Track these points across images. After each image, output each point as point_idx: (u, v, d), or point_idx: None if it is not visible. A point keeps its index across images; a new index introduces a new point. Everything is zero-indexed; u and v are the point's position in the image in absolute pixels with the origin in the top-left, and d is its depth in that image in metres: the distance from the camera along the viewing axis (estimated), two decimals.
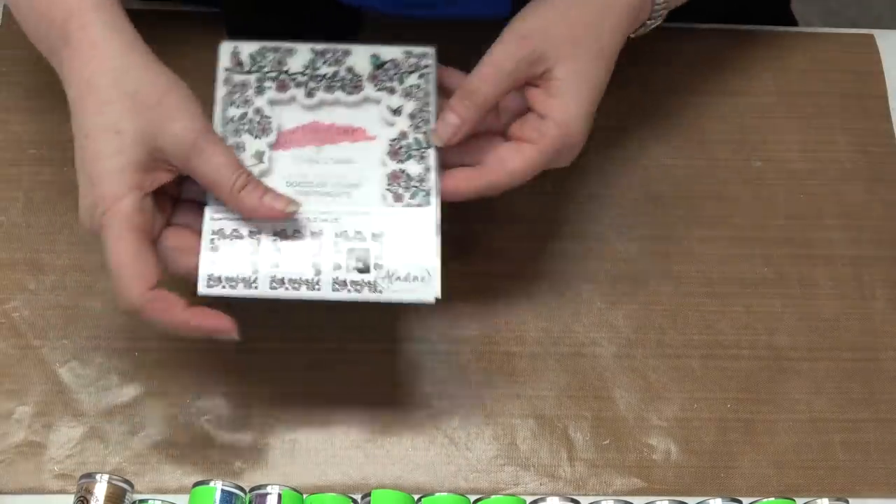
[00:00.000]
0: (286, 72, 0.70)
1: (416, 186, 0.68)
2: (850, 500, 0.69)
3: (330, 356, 0.75)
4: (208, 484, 0.66)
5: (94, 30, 0.65)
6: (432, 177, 0.68)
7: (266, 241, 0.66)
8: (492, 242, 0.79)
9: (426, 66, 0.72)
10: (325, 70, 0.71)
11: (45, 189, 0.79)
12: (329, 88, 0.70)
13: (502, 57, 0.68)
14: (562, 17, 0.70)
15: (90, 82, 0.65)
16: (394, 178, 0.69)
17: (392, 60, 0.71)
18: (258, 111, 0.69)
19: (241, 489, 0.67)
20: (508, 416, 0.74)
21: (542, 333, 0.76)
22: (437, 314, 0.76)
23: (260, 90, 0.70)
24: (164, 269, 0.65)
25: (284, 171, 0.68)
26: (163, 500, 0.69)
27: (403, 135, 0.70)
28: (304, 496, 0.68)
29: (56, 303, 0.75)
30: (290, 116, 0.70)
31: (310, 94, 0.70)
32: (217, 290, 0.65)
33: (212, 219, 0.66)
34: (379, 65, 0.71)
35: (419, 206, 0.68)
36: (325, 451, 0.72)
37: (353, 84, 0.71)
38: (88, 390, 0.73)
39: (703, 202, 0.81)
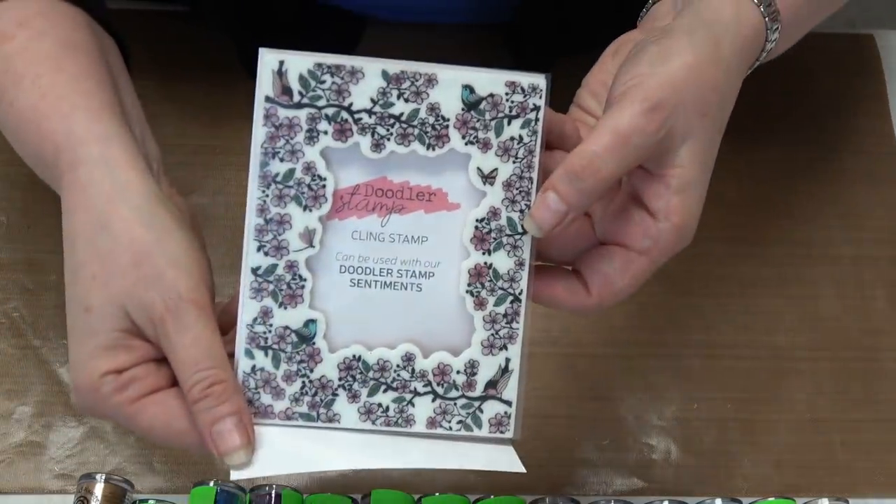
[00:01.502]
0: (348, 108, 0.54)
1: (503, 289, 0.56)
2: (850, 500, 0.69)
3: None
4: (208, 484, 0.66)
5: (83, 170, 0.55)
6: (524, 276, 0.56)
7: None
8: None
9: (533, 109, 0.55)
10: (401, 108, 0.54)
11: (45, 189, 0.79)
12: (404, 138, 0.54)
13: (628, 126, 0.52)
14: (694, 75, 0.54)
15: (72, 238, 0.56)
16: (477, 274, 0.56)
17: (490, 97, 0.55)
18: (309, 168, 0.54)
19: (241, 489, 0.67)
20: None
21: (542, 333, 0.76)
22: None
23: (312, 136, 0.54)
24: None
25: (338, 250, 0.55)
26: (163, 500, 0.68)
27: (494, 213, 0.55)
28: (304, 496, 0.68)
29: (56, 303, 0.75)
30: (349, 170, 0.55)
31: (377, 145, 0.54)
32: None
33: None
34: (472, 103, 0.55)
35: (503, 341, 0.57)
36: None
37: (435, 132, 0.54)
38: None
39: (704, 202, 0.81)
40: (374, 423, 0.57)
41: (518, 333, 0.57)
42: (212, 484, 0.66)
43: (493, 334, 0.57)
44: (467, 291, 0.56)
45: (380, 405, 0.56)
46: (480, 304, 0.56)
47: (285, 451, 0.56)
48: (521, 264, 0.56)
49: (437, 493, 0.67)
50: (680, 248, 0.57)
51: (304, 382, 0.56)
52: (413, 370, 0.56)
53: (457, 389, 0.57)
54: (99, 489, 0.65)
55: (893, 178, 0.83)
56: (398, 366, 0.56)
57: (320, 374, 0.56)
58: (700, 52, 0.55)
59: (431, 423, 0.57)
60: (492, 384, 0.57)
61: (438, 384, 0.57)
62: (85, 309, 0.55)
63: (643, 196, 0.55)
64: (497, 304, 0.56)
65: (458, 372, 0.57)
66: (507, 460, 0.57)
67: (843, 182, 0.83)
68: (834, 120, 0.85)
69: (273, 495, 0.66)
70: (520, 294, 0.56)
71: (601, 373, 0.75)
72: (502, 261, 0.56)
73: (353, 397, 0.56)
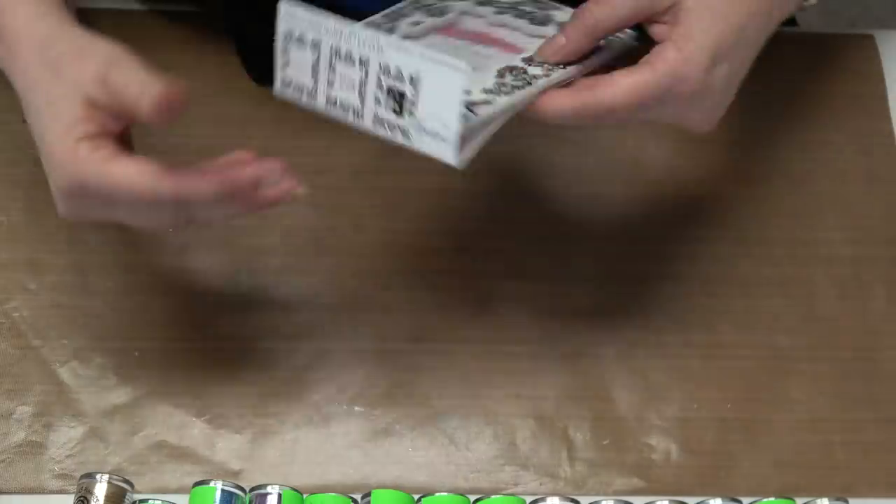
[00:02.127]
0: None
1: (524, 77, 0.64)
2: (850, 500, 0.69)
3: (330, 356, 0.75)
4: (208, 484, 0.66)
5: (18, 22, 0.63)
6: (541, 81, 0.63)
7: (324, 55, 0.62)
8: (492, 242, 0.79)
9: None
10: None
11: (45, 189, 0.79)
12: (519, 14, 0.68)
13: None
14: None
15: (24, 71, 0.63)
16: (508, 70, 0.64)
17: None
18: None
19: (241, 489, 0.67)
20: (508, 416, 0.74)
21: (542, 333, 0.76)
22: (438, 314, 0.76)
23: None
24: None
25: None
26: (163, 500, 0.69)
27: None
28: (304, 496, 0.68)
29: (56, 303, 0.75)
30: (467, 21, 0.67)
31: (499, 12, 0.68)
32: (289, 94, 0.63)
33: (286, 15, 0.62)
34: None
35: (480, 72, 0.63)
36: (325, 451, 0.72)
37: (539, 19, 0.68)
38: (88, 390, 0.73)
39: (703, 202, 0.81)
40: None
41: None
42: (212, 484, 0.66)
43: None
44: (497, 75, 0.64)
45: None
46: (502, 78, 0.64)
47: None
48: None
49: (437, 493, 0.67)
50: (683, 77, 0.62)
51: None
52: None
53: None
54: (99, 489, 0.65)
55: (893, 178, 0.83)
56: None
57: None
58: None
59: None
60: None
61: None
62: (48, 103, 0.61)
63: (656, 38, 0.63)
64: (515, 79, 0.63)
65: None
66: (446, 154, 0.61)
67: (843, 182, 0.83)
68: (834, 120, 0.85)
69: (273, 495, 0.66)
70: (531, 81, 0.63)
71: (601, 373, 0.75)
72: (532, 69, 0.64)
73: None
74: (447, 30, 0.67)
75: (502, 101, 0.62)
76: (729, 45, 0.63)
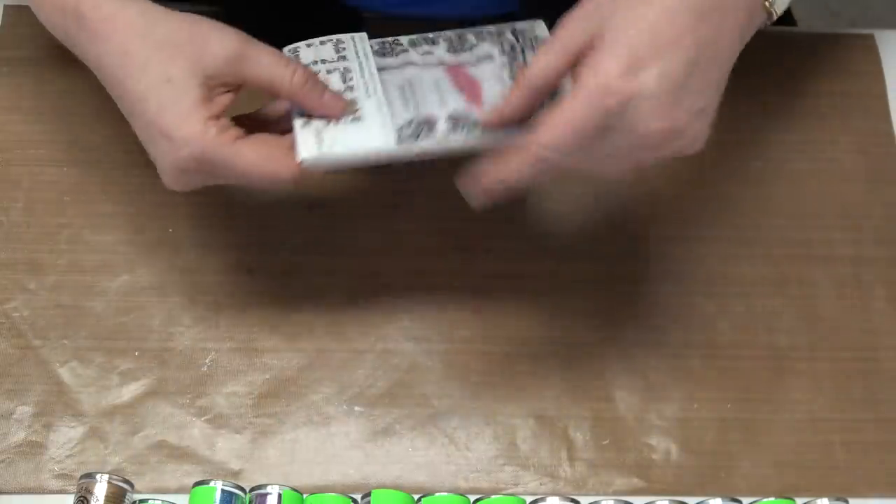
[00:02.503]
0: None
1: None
2: (850, 500, 0.69)
3: (329, 356, 0.75)
4: (208, 484, 0.66)
5: (106, 5, 0.66)
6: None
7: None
8: (492, 242, 0.79)
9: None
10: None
11: (45, 189, 0.79)
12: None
13: (557, 32, 0.62)
14: None
15: (123, 52, 0.65)
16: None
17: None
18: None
19: (241, 489, 0.67)
20: (508, 416, 0.74)
21: (542, 333, 0.76)
22: (438, 314, 0.76)
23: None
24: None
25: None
26: (163, 500, 0.69)
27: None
28: (304, 496, 0.68)
29: (56, 303, 0.75)
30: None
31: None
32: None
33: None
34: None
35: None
36: (325, 451, 0.72)
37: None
38: (88, 390, 0.73)
39: (704, 202, 0.81)
40: None
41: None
42: (212, 484, 0.66)
43: None
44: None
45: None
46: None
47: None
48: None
49: (437, 493, 0.67)
50: (609, 98, 0.59)
51: None
52: None
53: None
54: (99, 489, 0.65)
55: (893, 178, 0.83)
56: None
57: None
58: None
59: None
60: None
61: None
62: (167, 81, 0.64)
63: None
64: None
65: None
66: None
67: (843, 182, 0.83)
68: (834, 120, 0.85)
69: (273, 495, 0.66)
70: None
71: (601, 373, 0.75)
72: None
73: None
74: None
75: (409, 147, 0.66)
76: (646, 46, 0.59)
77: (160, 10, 0.66)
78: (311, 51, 0.70)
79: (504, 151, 0.62)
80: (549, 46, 0.62)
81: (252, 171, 0.65)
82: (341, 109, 0.66)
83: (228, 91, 0.66)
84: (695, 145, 0.64)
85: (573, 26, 0.61)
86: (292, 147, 0.65)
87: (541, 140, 0.60)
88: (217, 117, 0.64)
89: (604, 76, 0.59)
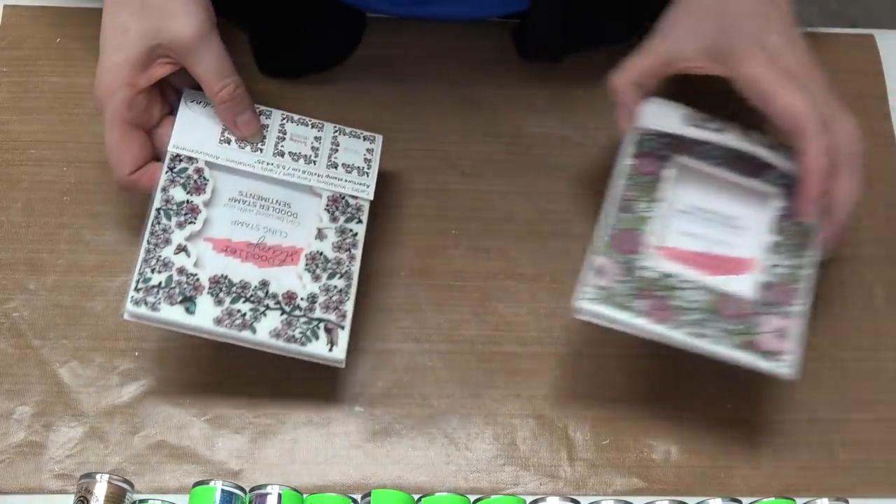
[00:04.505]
0: None
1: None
2: (850, 500, 0.69)
3: None
4: (208, 484, 0.66)
5: None
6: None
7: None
8: (492, 242, 0.79)
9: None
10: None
11: (45, 189, 0.79)
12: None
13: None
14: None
15: None
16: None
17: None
18: None
19: (241, 489, 0.67)
20: (508, 416, 0.74)
21: (542, 333, 0.76)
22: (438, 314, 0.76)
23: None
24: (160, 152, 0.73)
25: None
26: (163, 500, 0.69)
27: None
28: (304, 496, 0.68)
29: (56, 303, 0.75)
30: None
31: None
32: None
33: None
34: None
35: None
36: (325, 451, 0.72)
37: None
38: (88, 390, 0.73)
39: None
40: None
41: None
42: (212, 484, 0.66)
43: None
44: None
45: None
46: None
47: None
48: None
49: (437, 493, 0.67)
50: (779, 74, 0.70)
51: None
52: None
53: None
54: (99, 489, 0.65)
55: (893, 178, 0.83)
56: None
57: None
58: None
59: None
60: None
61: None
62: (123, 31, 0.70)
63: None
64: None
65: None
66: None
67: None
68: None
69: (273, 495, 0.66)
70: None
71: (601, 373, 0.75)
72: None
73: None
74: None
75: None
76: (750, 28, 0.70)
77: None
78: None
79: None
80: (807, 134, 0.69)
81: (107, 148, 0.71)
82: (251, 133, 0.74)
83: (168, 64, 0.71)
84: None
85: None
86: (146, 166, 0.72)
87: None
88: (137, 88, 0.70)
89: (762, 62, 0.70)
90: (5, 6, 0.85)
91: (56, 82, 0.83)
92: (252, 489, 0.67)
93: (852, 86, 0.86)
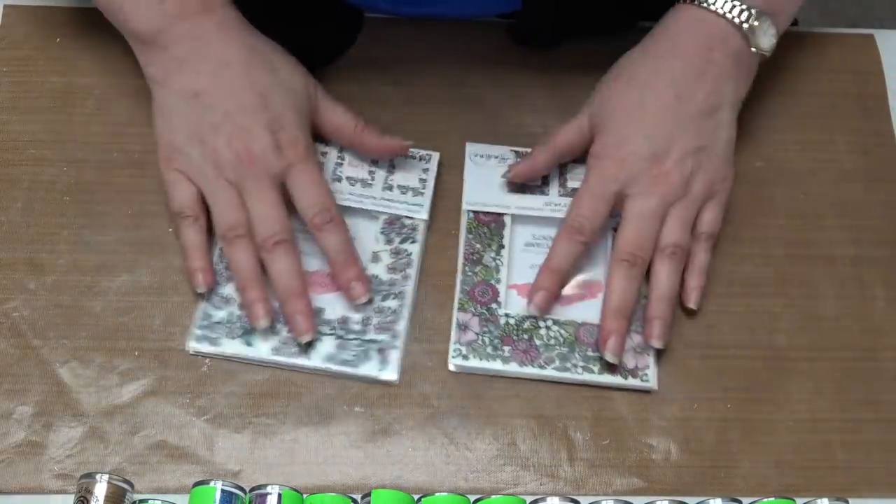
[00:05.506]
0: None
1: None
2: (850, 500, 0.69)
3: None
4: (208, 484, 0.66)
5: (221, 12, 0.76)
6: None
7: None
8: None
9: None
10: None
11: (45, 189, 0.79)
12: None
13: (576, 117, 0.79)
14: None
15: (251, 48, 0.75)
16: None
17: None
18: None
19: (241, 489, 0.67)
20: (508, 416, 0.74)
21: None
22: (438, 314, 0.76)
23: None
24: None
25: None
26: (163, 500, 0.69)
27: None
28: (304, 496, 0.68)
29: (56, 303, 0.75)
30: None
31: None
32: None
33: None
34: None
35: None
36: (325, 451, 0.72)
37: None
38: (88, 390, 0.73)
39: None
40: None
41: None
42: (212, 484, 0.66)
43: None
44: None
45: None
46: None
47: None
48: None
49: (437, 493, 0.67)
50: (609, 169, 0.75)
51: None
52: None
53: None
54: (99, 489, 0.65)
55: (893, 178, 0.83)
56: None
57: None
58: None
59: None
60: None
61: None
62: (292, 91, 0.76)
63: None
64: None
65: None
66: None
67: (843, 182, 0.83)
68: (834, 120, 0.85)
69: (273, 495, 0.66)
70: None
71: None
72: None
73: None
74: None
75: None
76: (634, 123, 0.76)
77: (257, 33, 0.77)
78: None
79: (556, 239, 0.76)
80: (571, 125, 0.78)
81: (311, 195, 0.74)
82: (400, 149, 0.78)
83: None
84: (724, 185, 0.78)
85: (585, 113, 0.78)
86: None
87: (573, 212, 0.75)
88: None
89: (595, 153, 0.76)
90: (5, 6, 0.85)
91: (56, 82, 0.83)
92: (252, 489, 0.67)
93: (852, 86, 0.86)
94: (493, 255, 0.77)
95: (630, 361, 0.74)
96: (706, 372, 0.76)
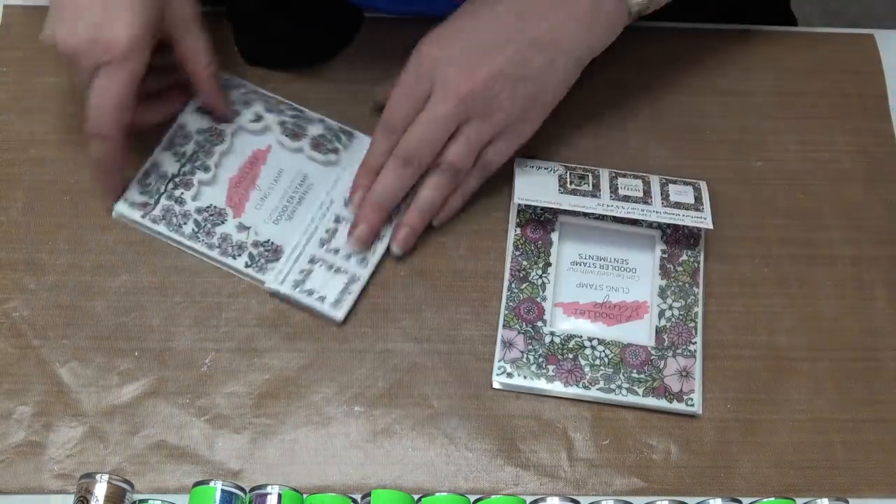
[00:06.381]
0: None
1: None
2: (850, 500, 0.69)
3: (329, 356, 0.75)
4: (208, 484, 0.66)
5: None
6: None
7: None
8: (492, 242, 0.79)
9: None
10: None
11: (45, 189, 0.79)
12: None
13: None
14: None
15: None
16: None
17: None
18: None
19: (241, 489, 0.67)
20: (508, 416, 0.74)
21: None
22: (438, 314, 0.76)
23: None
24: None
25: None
26: (163, 500, 0.69)
27: None
28: (304, 496, 0.68)
29: (56, 303, 0.75)
30: None
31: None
32: None
33: None
34: None
35: None
36: (325, 451, 0.72)
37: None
38: (88, 390, 0.73)
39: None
40: None
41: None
42: (212, 484, 0.66)
43: None
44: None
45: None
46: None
47: None
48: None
49: (437, 493, 0.67)
50: (421, 66, 0.74)
51: None
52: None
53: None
54: (99, 489, 0.65)
55: (893, 178, 0.83)
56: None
57: None
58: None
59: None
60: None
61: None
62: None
63: None
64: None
65: None
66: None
67: (843, 182, 0.83)
68: (834, 120, 0.85)
69: (273, 495, 0.66)
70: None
71: None
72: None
73: None
74: None
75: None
76: (453, 32, 0.75)
77: None
78: None
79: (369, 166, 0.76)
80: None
81: (94, 100, 0.71)
82: (219, 107, 0.79)
83: (155, 40, 0.73)
84: (524, 128, 0.75)
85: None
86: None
87: (384, 119, 0.75)
88: (146, 55, 0.72)
89: (417, 48, 0.74)
90: (5, 6, 0.85)
91: (56, 82, 0.82)
92: (252, 489, 0.67)
93: (852, 86, 0.86)
94: (539, 272, 0.76)
95: (675, 385, 0.73)
96: (706, 372, 0.75)
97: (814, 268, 0.79)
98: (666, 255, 0.77)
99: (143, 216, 0.77)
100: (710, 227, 0.76)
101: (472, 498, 0.68)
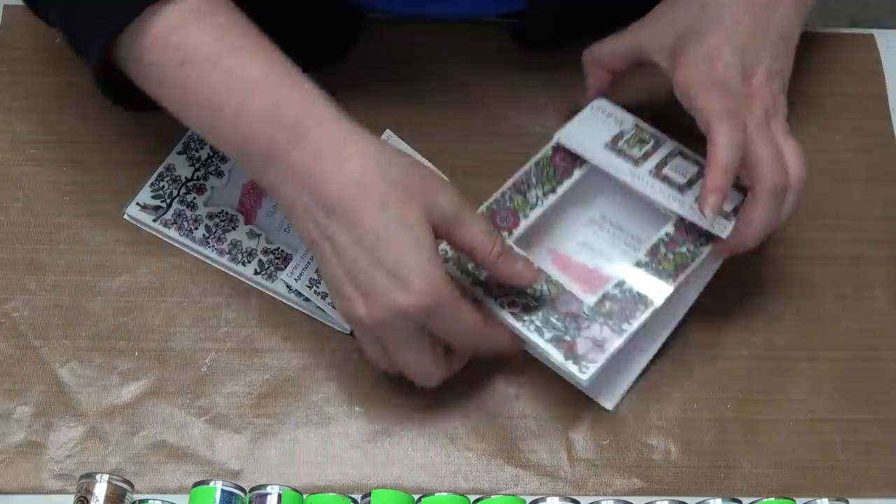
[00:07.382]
0: None
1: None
2: (850, 500, 0.69)
3: (330, 356, 0.75)
4: (208, 484, 0.66)
5: (334, 125, 0.65)
6: None
7: None
8: None
9: None
10: None
11: (45, 189, 0.79)
12: None
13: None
14: None
15: (359, 181, 0.64)
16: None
17: None
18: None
19: (241, 489, 0.67)
20: (508, 417, 0.74)
21: None
22: None
23: None
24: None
25: None
26: (163, 500, 0.69)
27: None
28: (304, 496, 0.68)
29: (56, 303, 0.75)
30: None
31: None
32: None
33: None
34: None
35: None
36: (325, 451, 0.72)
37: None
38: (88, 390, 0.73)
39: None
40: None
41: None
42: (212, 484, 0.66)
43: None
44: None
45: None
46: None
47: None
48: None
49: (437, 493, 0.67)
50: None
51: None
52: None
53: None
54: (99, 489, 0.65)
55: (893, 178, 0.83)
56: None
57: None
58: None
59: None
60: None
61: None
62: (406, 227, 0.64)
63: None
64: None
65: None
66: None
67: (843, 182, 0.83)
68: (834, 120, 0.85)
69: (273, 495, 0.66)
70: None
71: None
72: None
73: None
74: None
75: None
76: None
77: (387, 146, 0.66)
78: None
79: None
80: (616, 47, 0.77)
81: (475, 332, 0.67)
82: (530, 280, 0.70)
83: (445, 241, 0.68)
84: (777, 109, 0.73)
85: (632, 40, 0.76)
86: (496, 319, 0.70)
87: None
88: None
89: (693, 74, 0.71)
90: (5, 6, 0.85)
91: (56, 82, 0.83)
92: (252, 489, 0.67)
93: (852, 86, 0.86)
94: (539, 193, 0.74)
95: (582, 348, 0.70)
96: (706, 372, 0.76)
97: (814, 268, 0.79)
98: (667, 239, 0.74)
99: (154, 220, 0.77)
100: (724, 237, 0.72)
101: (472, 498, 0.68)
